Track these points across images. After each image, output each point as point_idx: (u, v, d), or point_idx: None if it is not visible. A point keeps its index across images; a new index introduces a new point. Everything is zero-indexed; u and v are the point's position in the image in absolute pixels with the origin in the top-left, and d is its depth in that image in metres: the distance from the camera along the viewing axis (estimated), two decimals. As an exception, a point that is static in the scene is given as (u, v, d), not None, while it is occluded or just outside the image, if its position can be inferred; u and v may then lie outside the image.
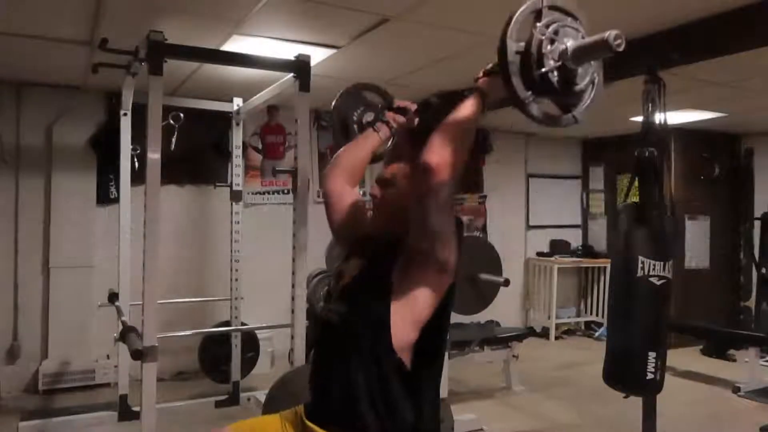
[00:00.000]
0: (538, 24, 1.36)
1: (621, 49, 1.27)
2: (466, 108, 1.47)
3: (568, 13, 1.42)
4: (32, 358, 4.46)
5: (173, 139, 3.92)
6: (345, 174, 1.85)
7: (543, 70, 1.34)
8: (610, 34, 1.27)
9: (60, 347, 4.47)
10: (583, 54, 1.37)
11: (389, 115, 1.90)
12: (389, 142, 1.92)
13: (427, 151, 1.40)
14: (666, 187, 3.01)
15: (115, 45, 2.92)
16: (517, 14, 1.36)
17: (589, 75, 1.43)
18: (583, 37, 1.41)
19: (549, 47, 1.35)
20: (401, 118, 1.87)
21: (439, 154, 1.39)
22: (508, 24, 1.36)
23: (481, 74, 1.52)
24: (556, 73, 1.35)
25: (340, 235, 1.87)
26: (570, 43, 1.37)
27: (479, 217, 6.45)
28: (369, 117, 2.17)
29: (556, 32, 1.37)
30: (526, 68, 1.35)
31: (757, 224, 5.75)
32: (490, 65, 1.50)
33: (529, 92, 1.36)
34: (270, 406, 2.32)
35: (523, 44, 1.36)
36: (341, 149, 1.93)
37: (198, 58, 3.34)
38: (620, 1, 2.70)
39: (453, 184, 1.42)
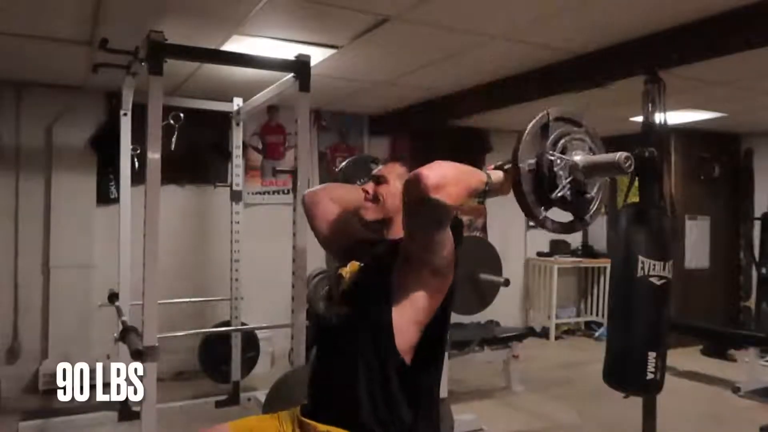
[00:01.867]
0: (548, 140, 1.41)
1: (631, 170, 1.33)
2: (474, 179, 1.44)
3: (573, 122, 1.48)
4: (32, 358, 4.45)
5: (173, 139, 3.91)
6: (332, 196, 1.87)
7: (558, 194, 1.40)
8: (620, 156, 1.33)
9: (60, 347, 4.46)
10: (593, 171, 1.42)
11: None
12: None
13: (424, 166, 1.36)
14: (666, 187, 3.01)
15: (115, 45, 2.92)
16: (525, 134, 1.42)
17: (597, 182, 1.47)
18: (590, 147, 1.46)
19: (560, 163, 1.40)
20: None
21: (431, 169, 1.33)
22: (518, 143, 1.41)
23: (491, 167, 1.53)
24: (568, 189, 1.41)
25: (330, 243, 1.87)
26: (579, 158, 1.42)
27: (479, 217, 6.45)
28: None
29: (564, 149, 1.42)
30: (539, 189, 1.41)
31: (757, 224, 5.75)
32: (500, 162, 1.52)
33: (542, 208, 1.42)
34: (270, 406, 2.32)
35: (533, 162, 1.41)
36: (343, 186, 1.97)
37: (198, 58, 3.34)
38: (620, 1, 2.70)
39: (440, 206, 1.34)
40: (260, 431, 1.71)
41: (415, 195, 1.33)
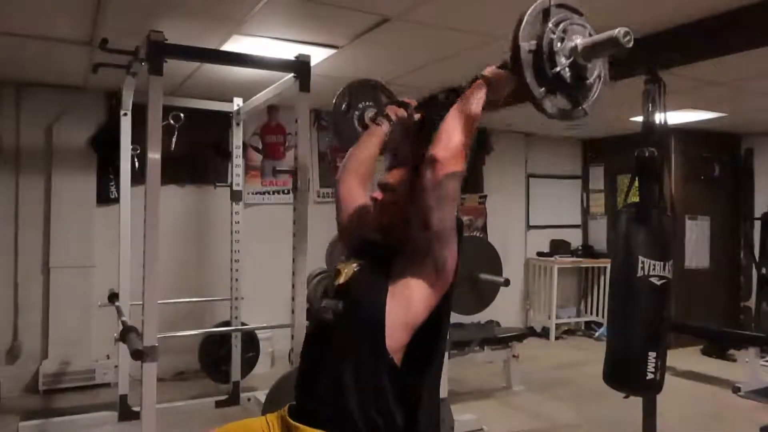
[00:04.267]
0: (549, 23, 1.40)
1: (630, 45, 1.33)
2: (473, 100, 1.46)
3: (574, 10, 1.46)
4: (32, 358, 4.46)
5: (173, 139, 3.91)
6: (356, 176, 1.87)
7: (557, 69, 1.38)
8: (619, 31, 1.33)
9: (60, 347, 4.47)
10: (593, 51, 1.41)
11: (390, 108, 1.91)
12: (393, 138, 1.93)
13: (434, 144, 1.41)
14: (666, 187, 3.01)
15: (115, 45, 2.93)
16: (527, 14, 1.40)
17: (597, 69, 1.47)
18: (590, 33, 1.45)
19: (560, 45, 1.39)
20: (402, 112, 1.88)
21: (446, 147, 1.41)
22: (519, 24, 1.39)
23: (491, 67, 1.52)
24: (568, 69, 1.40)
25: (345, 237, 1.87)
26: (579, 40, 1.41)
27: (479, 217, 6.45)
28: (371, 113, 2.18)
29: (565, 30, 1.41)
30: (539, 67, 1.39)
31: (757, 224, 5.75)
32: (500, 63, 1.50)
33: (543, 89, 1.40)
34: (270, 406, 2.32)
35: (534, 43, 1.39)
36: (349, 151, 1.95)
37: (198, 58, 3.34)
38: (620, 1, 2.70)
39: (460, 176, 1.42)
40: None
41: (436, 179, 1.39)
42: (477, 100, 1.46)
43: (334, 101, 2.23)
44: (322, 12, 2.87)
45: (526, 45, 1.38)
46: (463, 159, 1.42)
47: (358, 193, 1.85)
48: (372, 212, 1.69)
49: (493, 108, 1.51)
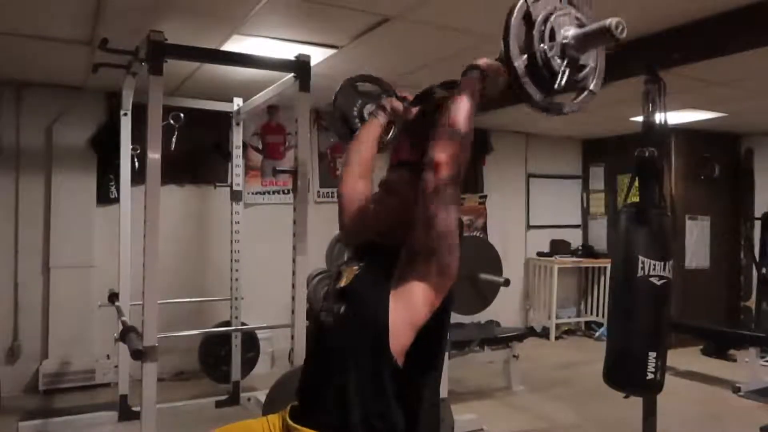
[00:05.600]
0: (534, 29, 1.34)
1: (623, 35, 1.27)
2: (468, 94, 1.44)
3: (573, 3, 1.42)
4: (32, 358, 4.46)
5: (173, 139, 3.92)
6: (356, 172, 1.86)
7: (561, 82, 1.35)
8: (611, 21, 1.27)
9: (60, 347, 4.47)
10: (585, 43, 1.36)
11: (387, 100, 1.91)
12: (391, 131, 1.92)
13: (432, 146, 1.40)
14: (666, 187, 3.01)
15: (115, 45, 2.92)
16: (509, 30, 1.34)
17: (591, 59, 1.42)
18: (577, 18, 1.39)
19: (552, 51, 1.35)
20: (398, 103, 1.87)
21: (444, 149, 1.38)
22: (506, 46, 1.35)
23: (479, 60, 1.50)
24: (567, 72, 1.36)
25: (348, 237, 1.87)
26: (570, 32, 1.35)
27: (479, 217, 6.45)
28: (369, 108, 2.16)
29: (552, 29, 1.35)
30: (540, 81, 1.36)
31: (757, 224, 5.75)
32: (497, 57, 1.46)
33: (549, 98, 1.38)
34: (270, 406, 2.32)
35: (525, 57, 1.35)
36: (349, 147, 1.94)
37: (198, 58, 3.34)
38: (620, 1, 2.69)
39: (460, 178, 1.40)
40: None
41: (437, 182, 1.38)
42: (473, 94, 1.44)
43: (333, 99, 2.22)
44: (322, 12, 2.87)
45: (521, 63, 1.34)
46: (463, 158, 1.39)
47: (359, 190, 1.84)
48: (373, 213, 1.69)
49: (488, 103, 1.48)
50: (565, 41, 1.35)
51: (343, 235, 1.91)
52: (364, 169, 1.87)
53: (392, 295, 1.46)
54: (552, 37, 1.35)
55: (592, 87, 1.44)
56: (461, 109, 1.43)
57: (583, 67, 1.40)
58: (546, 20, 1.35)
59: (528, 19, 1.35)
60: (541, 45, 1.34)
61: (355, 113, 2.20)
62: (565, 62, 1.35)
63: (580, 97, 1.45)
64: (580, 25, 1.40)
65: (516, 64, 1.34)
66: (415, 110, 1.82)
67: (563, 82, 1.34)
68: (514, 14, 1.34)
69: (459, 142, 1.40)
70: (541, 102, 1.36)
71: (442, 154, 1.38)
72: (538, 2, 1.36)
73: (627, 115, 5.11)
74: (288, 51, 3.01)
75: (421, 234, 1.44)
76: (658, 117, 2.95)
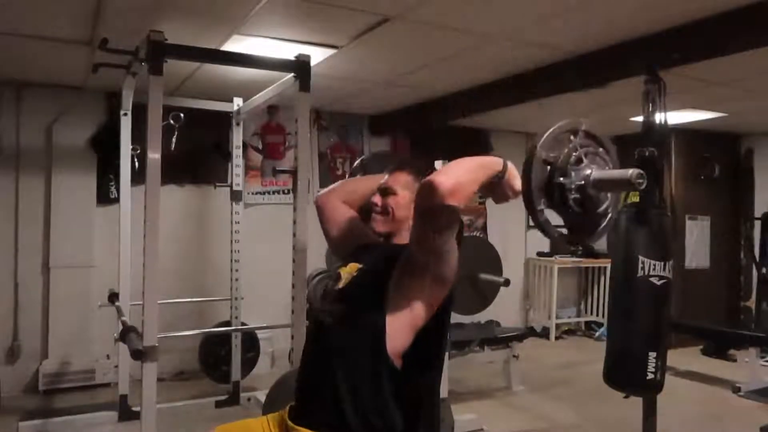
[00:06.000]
0: (573, 143, 1.40)
1: (642, 187, 1.33)
2: (488, 161, 1.44)
3: (601, 144, 1.47)
4: (32, 358, 4.46)
5: (173, 139, 3.92)
6: (342, 196, 1.87)
7: (561, 180, 1.38)
8: (632, 172, 1.33)
9: (60, 347, 4.47)
10: (604, 184, 1.40)
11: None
12: None
13: (436, 172, 1.40)
14: (666, 187, 3.01)
15: (115, 45, 2.92)
16: (555, 127, 1.41)
17: (605, 204, 1.46)
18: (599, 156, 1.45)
19: (576, 166, 1.39)
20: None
21: (446, 175, 1.36)
22: (542, 134, 1.40)
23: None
24: (575, 193, 1.39)
25: (338, 246, 1.87)
26: (595, 171, 1.40)
27: (479, 217, 6.45)
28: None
29: (585, 155, 1.40)
30: (548, 185, 1.39)
31: (757, 224, 5.75)
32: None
33: (543, 200, 1.40)
34: (270, 406, 2.32)
35: (552, 155, 1.39)
36: (355, 178, 1.98)
37: (198, 58, 3.34)
38: (620, 1, 2.70)
39: (454, 211, 1.37)
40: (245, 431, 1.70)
41: (431, 203, 1.35)
42: (490, 162, 1.44)
43: (361, 159, 2.36)
44: (322, 12, 2.87)
45: (543, 153, 1.38)
46: (462, 197, 1.36)
47: (340, 205, 1.86)
48: (374, 220, 1.69)
49: (490, 189, 1.47)
50: (588, 173, 1.40)
51: (333, 248, 1.93)
52: (352, 198, 1.87)
53: (391, 298, 1.47)
54: (580, 160, 1.40)
55: (586, 236, 1.49)
56: (475, 164, 1.42)
57: (591, 209, 1.44)
58: (584, 146, 1.42)
59: (574, 134, 1.43)
60: (573, 153, 1.40)
61: None
62: (580, 183, 1.39)
63: (570, 235, 1.48)
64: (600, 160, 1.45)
65: (539, 150, 1.39)
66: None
67: (566, 194, 1.39)
68: (567, 122, 1.42)
69: (460, 182, 1.36)
70: (535, 200, 1.39)
71: (441, 178, 1.35)
72: (588, 136, 1.44)
73: (627, 115, 5.11)
74: (288, 51, 3.01)
75: (414, 249, 1.45)
76: (658, 117, 2.95)
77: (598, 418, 4.07)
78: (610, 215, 1.48)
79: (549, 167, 1.39)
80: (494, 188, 1.45)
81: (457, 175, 1.36)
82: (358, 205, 1.87)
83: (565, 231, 1.46)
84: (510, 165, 1.46)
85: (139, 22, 2.92)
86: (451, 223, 1.41)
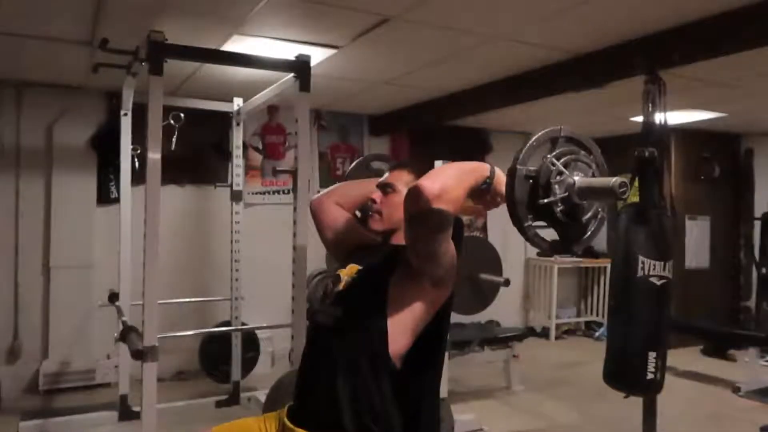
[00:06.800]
0: (551, 154, 1.40)
1: (625, 197, 1.34)
2: (476, 166, 1.46)
3: (582, 146, 1.47)
4: (33, 358, 4.46)
5: (173, 139, 3.91)
6: (336, 198, 1.87)
7: (547, 201, 1.38)
8: (615, 181, 1.33)
9: (60, 347, 4.47)
10: (588, 193, 1.40)
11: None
12: None
13: (423, 176, 1.38)
14: (666, 187, 3.01)
15: (115, 45, 2.92)
16: (532, 140, 1.40)
17: (591, 211, 1.46)
18: (593, 174, 1.45)
19: (558, 178, 1.39)
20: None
21: (431, 179, 1.35)
22: (523, 147, 1.40)
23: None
24: (560, 204, 1.39)
25: (335, 248, 1.87)
26: (578, 179, 1.40)
27: (479, 217, 6.44)
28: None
29: (566, 165, 1.40)
30: (532, 194, 1.39)
31: (757, 224, 5.75)
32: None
33: (530, 216, 1.40)
34: (270, 406, 2.32)
35: (534, 169, 1.39)
36: (349, 183, 1.97)
37: (198, 58, 3.34)
38: (620, 1, 2.70)
39: (443, 215, 1.35)
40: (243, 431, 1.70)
41: (418, 207, 1.34)
42: (477, 167, 1.45)
43: (347, 173, 2.37)
44: (322, 12, 2.87)
45: (524, 169, 1.38)
46: (449, 201, 1.33)
47: (335, 207, 1.86)
48: (372, 219, 1.69)
49: (479, 195, 1.48)
50: (571, 182, 1.40)
51: (331, 250, 1.93)
52: (346, 201, 1.88)
53: (392, 300, 1.46)
54: (562, 172, 1.40)
55: (573, 245, 1.49)
56: (462, 170, 1.43)
57: (577, 217, 1.44)
58: (567, 155, 1.42)
59: (554, 143, 1.43)
60: (552, 167, 1.40)
61: None
62: (564, 194, 1.40)
63: (560, 243, 1.49)
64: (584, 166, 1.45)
65: (520, 167, 1.39)
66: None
67: (548, 201, 1.39)
68: (546, 131, 1.42)
69: (447, 186, 1.35)
70: (521, 213, 1.41)
71: (427, 182, 1.34)
72: (568, 141, 1.44)
73: (627, 115, 5.11)
74: (288, 51, 3.01)
75: (410, 253, 1.45)
76: (658, 117, 2.95)
77: (598, 418, 4.07)
78: (600, 215, 1.48)
79: (531, 181, 1.40)
80: (483, 195, 1.46)
81: (442, 180, 1.35)
82: (352, 208, 1.87)
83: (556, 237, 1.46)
84: (498, 171, 1.47)
85: (139, 22, 2.92)
86: (442, 226, 1.39)
